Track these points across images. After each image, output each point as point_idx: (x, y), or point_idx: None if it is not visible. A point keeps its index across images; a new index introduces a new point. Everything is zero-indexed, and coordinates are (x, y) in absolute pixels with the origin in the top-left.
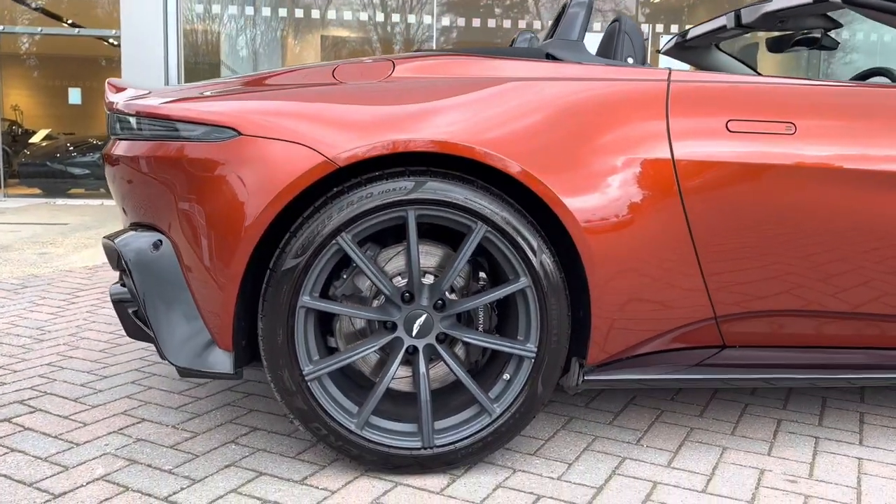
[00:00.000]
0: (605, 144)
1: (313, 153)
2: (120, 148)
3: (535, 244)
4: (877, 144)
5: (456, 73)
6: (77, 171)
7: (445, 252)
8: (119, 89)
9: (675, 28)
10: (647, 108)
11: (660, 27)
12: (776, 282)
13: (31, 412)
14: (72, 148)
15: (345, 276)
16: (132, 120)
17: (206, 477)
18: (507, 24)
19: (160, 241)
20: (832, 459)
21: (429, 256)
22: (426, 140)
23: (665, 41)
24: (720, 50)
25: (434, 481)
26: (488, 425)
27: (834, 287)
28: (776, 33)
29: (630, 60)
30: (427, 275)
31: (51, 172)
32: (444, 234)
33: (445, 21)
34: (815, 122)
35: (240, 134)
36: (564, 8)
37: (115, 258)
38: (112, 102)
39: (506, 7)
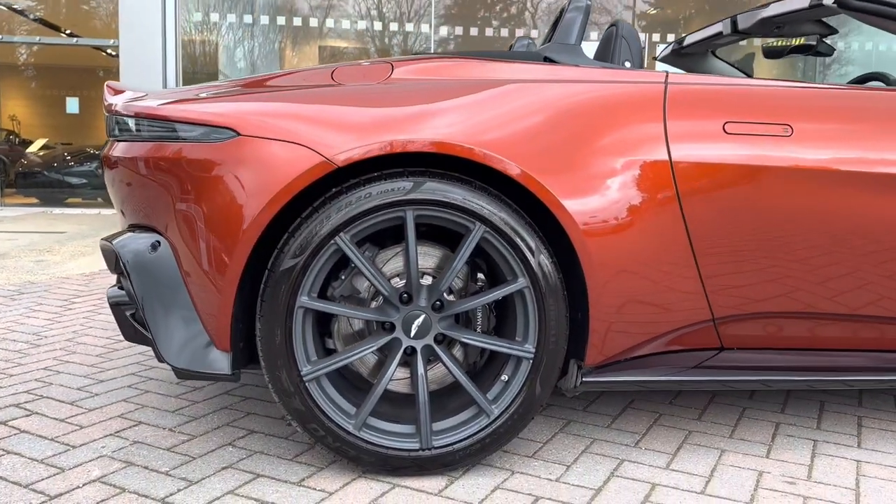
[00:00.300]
0: (602, 147)
1: (312, 153)
2: (118, 150)
3: (533, 245)
4: (873, 147)
5: (454, 76)
6: (74, 180)
7: (444, 253)
8: (117, 92)
9: (671, 38)
10: (644, 111)
11: (656, 37)
12: (774, 284)
13: (27, 415)
14: (69, 157)
15: (343, 277)
16: (131, 122)
17: (203, 478)
18: (504, 32)
19: (158, 242)
20: (830, 462)
21: (427, 257)
22: (425, 141)
23: (661, 49)
24: (716, 57)
25: (432, 483)
26: (486, 426)
27: (832, 289)
28: (772, 40)
29: (627, 64)
30: (425, 276)
31: (48, 182)
32: (443, 236)
33: (443, 31)
34: (811, 124)
35: (238, 134)
36: (562, 12)
37: (113, 260)
38: (111, 104)
39: (503, 19)
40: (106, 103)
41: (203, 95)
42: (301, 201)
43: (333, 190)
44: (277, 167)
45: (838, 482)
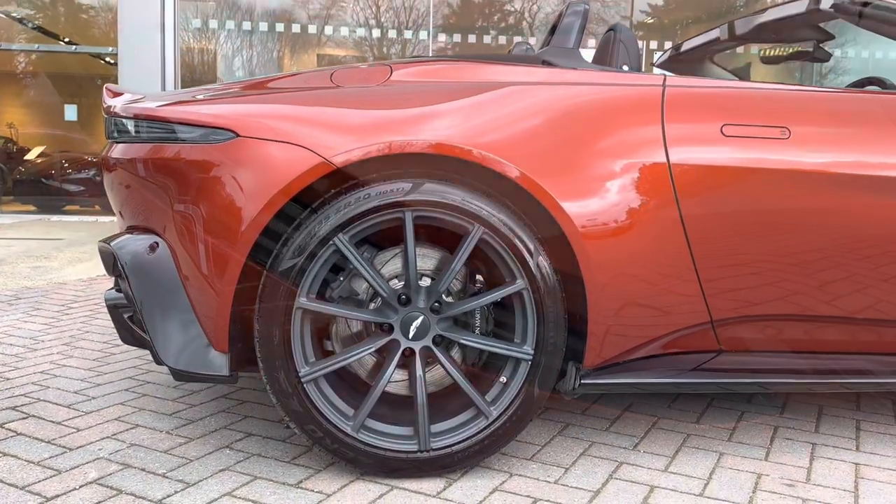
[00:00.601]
0: (601, 149)
1: (311, 154)
2: (117, 151)
3: (531, 246)
4: (870, 150)
5: (453, 78)
6: (72, 187)
7: (442, 255)
8: (116, 94)
9: (667, 46)
10: (642, 113)
11: (653, 44)
12: (772, 287)
13: (23, 418)
14: (67, 165)
15: (341, 278)
16: (129, 123)
17: (200, 481)
18: (502, 40)
19: (156, 243)
20: (829, 464)
21: (426, 259)
22: (425, 142)
23: (659, 55)
24: (714, 63)
25: (430, 485)
26: (485, 428)
27: (830, 292)
28: (769, 47)
29: (625, 68)
30: (424, 277)
31: (45, 189)
32: (441, 238)
33: (441, 39)
34: (808, 127)
35: (237, 136)
36: (560, 16)
37: (111, 261)
38: (110, 106)
39: (501, 27)
40: (105, 105)
41: (201, 97)
42: (300, 202)
43: (332, 191)
44: (276, 168)
45: (837, 484)
